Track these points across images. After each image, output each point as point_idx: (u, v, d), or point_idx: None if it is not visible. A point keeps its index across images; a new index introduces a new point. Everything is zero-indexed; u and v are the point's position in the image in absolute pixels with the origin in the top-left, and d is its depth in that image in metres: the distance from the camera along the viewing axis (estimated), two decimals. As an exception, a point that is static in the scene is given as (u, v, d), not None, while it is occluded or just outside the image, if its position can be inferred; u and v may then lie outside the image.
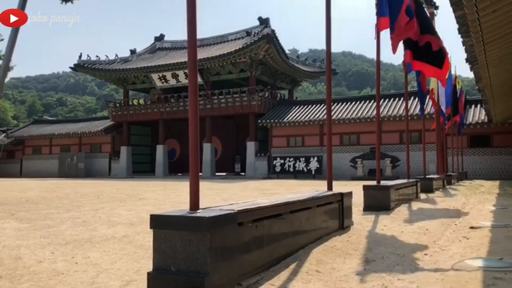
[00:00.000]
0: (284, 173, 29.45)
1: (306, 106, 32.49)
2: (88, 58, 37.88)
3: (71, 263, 4.07)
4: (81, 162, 37.49)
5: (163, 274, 2.91)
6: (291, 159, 29.80)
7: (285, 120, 30.66)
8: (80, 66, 37.66)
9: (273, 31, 30.08)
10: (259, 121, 31.20)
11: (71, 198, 12.02)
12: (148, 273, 2.97)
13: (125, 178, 32.78)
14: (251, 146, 31.66)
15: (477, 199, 10.94)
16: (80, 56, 37.70)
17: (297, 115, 31.02)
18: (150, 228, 3.01)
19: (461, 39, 7.93)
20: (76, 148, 39.54)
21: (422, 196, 11.31)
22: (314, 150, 29.67)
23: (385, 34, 7.81)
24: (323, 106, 30.24)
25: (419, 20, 7.99)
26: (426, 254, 4.37)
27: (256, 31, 31.68)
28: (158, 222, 3.01)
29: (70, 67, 39.01)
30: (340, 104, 30.92)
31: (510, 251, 4.37)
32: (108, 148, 38.30)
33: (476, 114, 26.35)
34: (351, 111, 29.40)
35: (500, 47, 9.01)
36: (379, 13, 7.49)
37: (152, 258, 3.01)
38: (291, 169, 29.60)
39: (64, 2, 13.53)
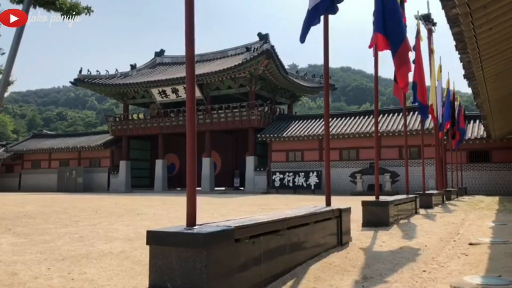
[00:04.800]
0: (284, 188, 29.39)
1: (305, 121, 32.56)
2: (89, 72, 38.09)
3: (67, 279, 4.04)
4: (80, 176, 37.42)
5: (159, 291, 2.89)
6: (291, 173, 29.76)
7: (284, 135, 30.70)
8: (81, 81, 37.83)
9: (272, 46, 30.31)
10: (259, 135, 31.25)
11: (69, 213, 11.97)
12: (144, 290, 2.95)
13: (124, 192, 32.68)
14: (250, 161, 31.65)
15: (476, 215, 10.90)
16: (80, 71, 37.90)
17: (296, 130, 31.07)
18: (147, 244, 3.00)
19: (459, 56, 7.99)
20: (75, 162, 39.49)
21: (422, 211, 11.27)
22: (314, 165, 29.66)
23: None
24: (322, 121, 30.26)
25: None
26: (424, 271, 4.34)
27: (256, 47, 31.93)
28: (154, 238, 2.99)
29: (71, 82, 39.18)
30: (339, 119, 31.02)
31: (509, 268, 4.35)
32: (107, 163, 38.26)
33: (475, 130, 26.43)
34: (351, 126, 29.47)
35: (497, 64, 9.08)
36: (374, 29, 7.55)
37: (148, 275, 2.99)
38: (291, 184, 29.55)
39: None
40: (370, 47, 7.70)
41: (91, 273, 4.28)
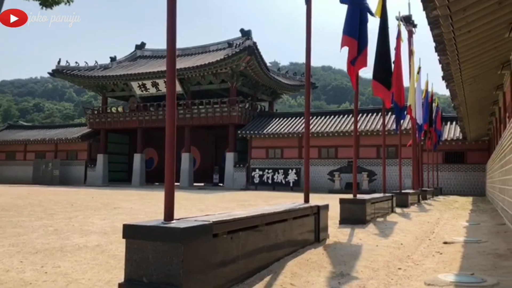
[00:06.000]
0: (263, 185, 29.44)
1: (285, 119, 32.67)
2: (67, 64, 37.43)
3: (40, 273, 3.96)
4: (56, 169, 36.78)
5: (135, 286, 2.86)
6: (270, 170, 29.82)
7: (264, 132, 30.74)
8: (59, 72, 37.16)
9: (254, 43, 30.26)
10: (239, 132, 31.21)
11: (44, 206, 11.76)
12: (120, 284, 2.91)
13: (101, 186, 32.27)
14: (230, 157, 31.60)
15: (451, 215, 11.11)
16: (59, 62, 37.21)
17: (276, 127, 31.14)
18: (123, 238, 2.96)
19: (438, 57, 8.10)
20: (51, 154, 38.80)
21: (398, 210, 11.43)
22: (293, 162, 29.78)
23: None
24: (303, 119, 30.41)
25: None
26: (399, 269, 4.40)
27: (238, 43, 31.81)
28: (131, 232, 2.95)
29: (49, 73, 38.49)
30: (319, 117, 31.20)
31: (481, 267, 4.44)
32: (84, 156, 37.69)
33: (451, 131, 26.90)
34: (330, 125, 29.68)
35: (475, 66, 9.25)
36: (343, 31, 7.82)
37: (124, 269, 2.95)
38: (270, 181, 29.62)
39: (44, 8, 13.39)
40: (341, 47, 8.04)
41: (65, 267, 4.21)
